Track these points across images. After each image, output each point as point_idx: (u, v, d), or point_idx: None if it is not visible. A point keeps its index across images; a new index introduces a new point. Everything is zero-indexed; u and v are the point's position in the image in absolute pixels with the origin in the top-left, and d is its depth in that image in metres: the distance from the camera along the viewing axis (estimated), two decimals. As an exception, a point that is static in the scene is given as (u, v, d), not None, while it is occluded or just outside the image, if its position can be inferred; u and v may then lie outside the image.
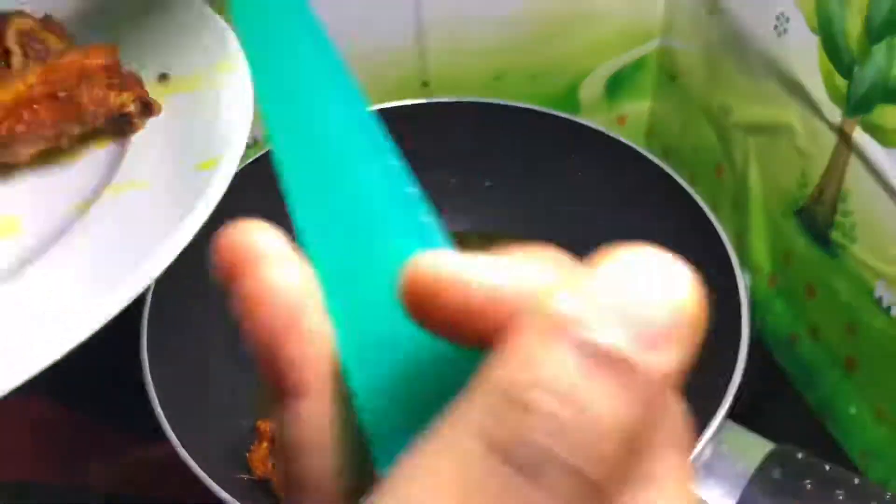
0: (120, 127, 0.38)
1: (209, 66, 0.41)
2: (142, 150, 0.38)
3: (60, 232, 0.35)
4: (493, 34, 0.63)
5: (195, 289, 0.50)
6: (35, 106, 0.35)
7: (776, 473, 0.39)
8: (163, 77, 0.41)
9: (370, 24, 0.60)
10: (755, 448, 0.41)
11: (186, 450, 0.40)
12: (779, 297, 0.60)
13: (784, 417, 0.57)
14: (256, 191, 0.54)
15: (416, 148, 0.65)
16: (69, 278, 0.32)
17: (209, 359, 0.50)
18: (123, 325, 0.45)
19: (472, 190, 0.61)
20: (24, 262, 0.34)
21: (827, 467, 0.40)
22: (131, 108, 0.38)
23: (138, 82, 0.39)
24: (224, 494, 0.39)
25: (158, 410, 0.41)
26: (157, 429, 0.41)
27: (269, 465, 0.43)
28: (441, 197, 0.66)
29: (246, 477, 0.45)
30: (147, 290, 0.46)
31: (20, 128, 0.35)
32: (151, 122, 0.39)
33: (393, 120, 0.62)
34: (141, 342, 0.44)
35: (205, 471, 0.40)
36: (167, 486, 0.53)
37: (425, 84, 0.64)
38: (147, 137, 0.39)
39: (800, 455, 0.40)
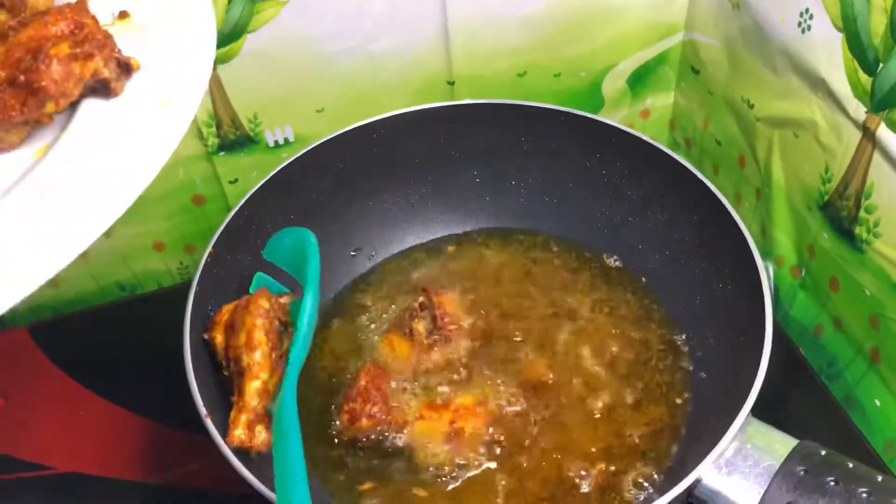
0: (100, 92, 0.36)
1: (172, 4, 0.40)
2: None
3: (23, 174, 0.34)
4: (517, 33, 0.64)
5: (233, 290, 0.51)
6: (1, 96, 0.34)
7: (800, 470, 0.40)
8: (123, 15, 0.39)
9: (396, 26, 0.61)
10: (779, 445, 0.41)
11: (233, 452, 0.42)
12: (802, 289, 0.60)
13: (808, 409, 0.58)
14: (289, 192, 0.55)
15: (443, 148, 0.66)
16: (36, 217, 0.32)
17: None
18: (169, 331, 0.47)
19: (497, 188, 0.62)
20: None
21: (850, 464, 0.40)
22: (105, 73, 0.35)
23: (109, 41, 0.36)
24: (264, 489, 0.41)
25: (200, 407, 0.43)
26: (201, 425, 0.43)
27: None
28: (467, 194, 0.67)
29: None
30: (189, 292, 0.48)
31: None
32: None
33: (422, 121, 0.63)
34: (184, 343, 0.46)
35: (243, 463, 0.41)
36: (210, 477, 0.55)
37: (451, 83, 0.65)
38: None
39: (823, 452, 0.41)
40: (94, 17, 0.37)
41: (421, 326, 0.54)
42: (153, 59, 0.37)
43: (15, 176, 0.34)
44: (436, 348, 0.54)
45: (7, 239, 0.31)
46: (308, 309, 0.41)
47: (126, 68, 0.36)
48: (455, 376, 0.53)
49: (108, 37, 0.36)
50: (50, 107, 0.35)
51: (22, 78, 0.34)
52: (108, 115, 0.36)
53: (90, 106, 0.36)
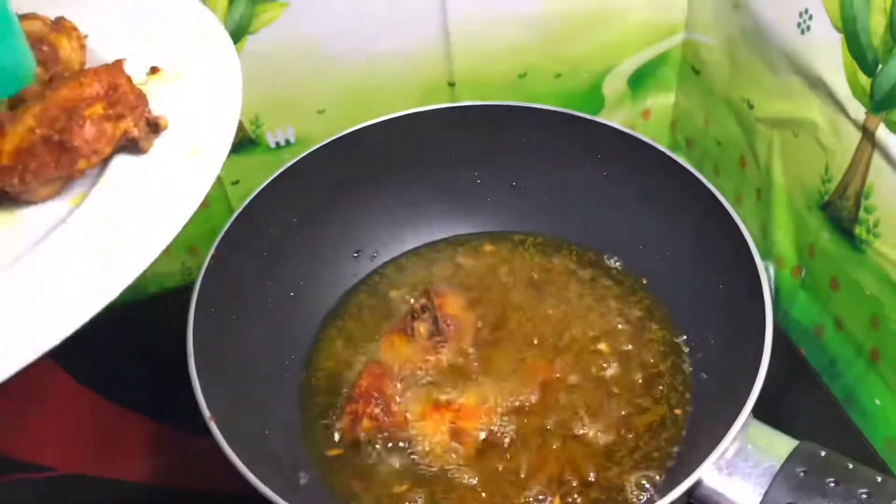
0: (130, 149, 0.38)
1: (198, 57, 0.42)
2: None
3: (58, 223, 0.35)
4: (517, 33, 0.64)
5: (236, 293, 0.52)
6: (36, 153, 0.35)
7: (800, 471, 0.40)
8: (154, 70, 0.41)
9: (397, 27, 0.61)
10: (779, 445, 0.41)
11: (232, 448, 0.42)
12: (803, 289, 0.60)
13: (808, 408, 0.58)
14: (290, 194, 0.56)
15: (444, 149, 0.67)
16: (69, 264, 0.33)
17: (252, 359, 0.51)
18: (171, 332, 0.47)
19: (498, 190, 0.62)
20: (22, 253, 0.34)
21: (850, 465, 0.40)
22: (135, 132, 0.37)
23: (141, 102, 0.38)
24: (268, 492, 0.41)
25: (204, 409, 0.43)
26: (204, 426, 0.43)
27: None
28: (467, 196, 0.68)
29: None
30: (192, 295, 0.48)
31: (29, 177, 0.36)
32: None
33: (422, 123, 0.63)
34: (188, 346, 0.46)
35: (247, 465, 0.41)
36: (212, 477, 0.55)
37: (451, 84, 0.65)
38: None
39: (823, 453, 0.41)
40: (128, 78, 0.38)
41: (422, 328, 0.55)
42: (183, 111, 0.39)
43: (49, 224, 0.36)
44: (437, 349, 0.54)
45: (38, 287, 0.32)
46: None
47: (155, 127, 0.38)
48: (456, 377, 0.53)
49: (140, 97, 0.38)
50: (82, 164, 0.37)
51: (56, 137, 0.36)
52: (139, 166, 0.37)
53: (122, 158, 0.38)
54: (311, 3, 0.58)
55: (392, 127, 0.58)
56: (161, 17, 0.44)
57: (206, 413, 0.43)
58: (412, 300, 0.57)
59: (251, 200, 0.54)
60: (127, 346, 0.63)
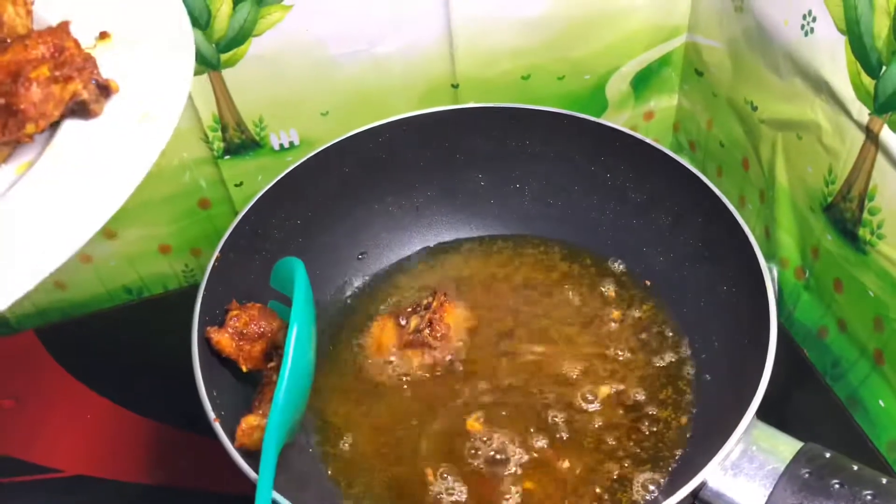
0: (80, 113, 0.37)
1: (150, 23, 0.41)
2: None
3: (5, 190, 0.34)
4: (521, 35, 0.64)
5: (241, 295, 0.52)
6: None
7: (805, 473, 0.40)
8: (104, 35, 0.40)
9: (400, 29, 0.61)
10: (784, 447, 0.42)
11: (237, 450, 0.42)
12: (806, 290, 0.60)
13: (812, 410, 0.58)
14: (295, 196, 0.56)
15: (448, 152, 0.67)
16: (15, 231, 0.32)
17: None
18: (175, 334, 0.47)
19: (502, 192, 0.62)
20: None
21: (855, 467, 0.40)
22: (84, 94, 0.36)
23: (89, 64, 0.37)
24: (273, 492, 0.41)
25: (209, 410, 0.43)
26: (208, 427, 0.43)
27: None
28: (471, 198, 0.68)
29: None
30: (197, 296, 0.48)
31: None
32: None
33: (426, 125, 0.63)
34: (192, 347, 0.46)
35: (250, 466, 0.42)
36: (216, 479, 0.56)
37: (454, 86, 0.65)
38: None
39: (828, 454, 0.41)
40: (75, 41, 0.37)
41: (414, 321, 0.54)
42: (133, 77, 0.38)
43: None
44: (415, 349, 0.54)
45: None
46: (289, 360, 0.39)
47: (105, 90, 0.37)
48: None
49: (87, 59, 0.37)
50: (30, 128, 0.36)
51: (2, 101, 0.35)
52: (89, 132, 0.36)
53: (71, 124, 0.37)
54: (316, 5, 0.58)
55: (396, 129, 0.58)
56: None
57: (211, 414, 0.43)
58: (416, 301, 0.57)
59: (255, 202, 0.54)
60: (131, 348, 0.64)
